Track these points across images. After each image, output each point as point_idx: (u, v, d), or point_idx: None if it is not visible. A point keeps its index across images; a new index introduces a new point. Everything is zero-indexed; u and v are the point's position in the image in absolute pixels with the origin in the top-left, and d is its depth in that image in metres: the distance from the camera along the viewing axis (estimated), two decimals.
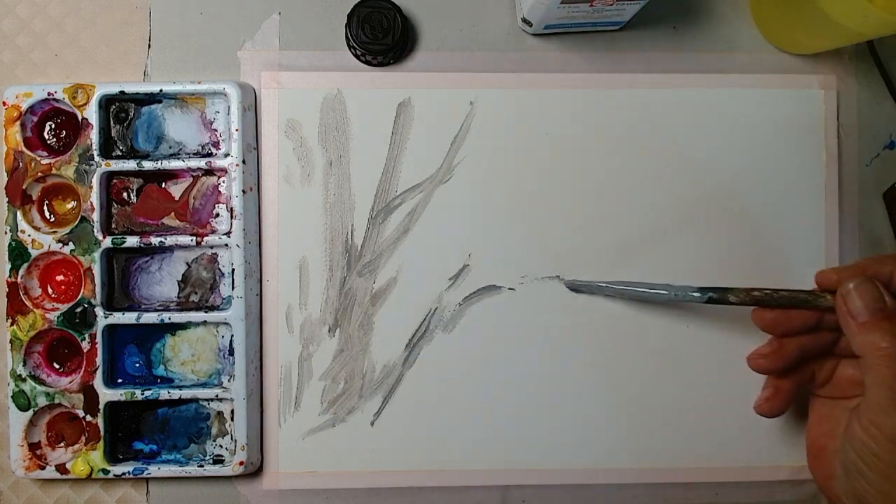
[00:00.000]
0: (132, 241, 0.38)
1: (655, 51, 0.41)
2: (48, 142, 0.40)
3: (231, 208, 0.38)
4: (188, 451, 0.39)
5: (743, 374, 0.40)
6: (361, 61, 0.40)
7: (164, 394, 0.38)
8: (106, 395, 0.38)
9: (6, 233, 0.39)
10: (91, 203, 0.38)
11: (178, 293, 0.40)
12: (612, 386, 0.41)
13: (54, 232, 0.39)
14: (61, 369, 0.39)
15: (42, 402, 0.38)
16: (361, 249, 0.40)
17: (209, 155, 0.39)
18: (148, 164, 0.38)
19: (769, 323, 0.35)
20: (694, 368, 0.41)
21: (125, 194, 0.40)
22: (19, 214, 0.39)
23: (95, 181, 0.38)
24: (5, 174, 0.39)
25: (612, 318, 0.40)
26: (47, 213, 0.40)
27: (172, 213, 0.39)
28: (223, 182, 0.39)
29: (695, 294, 0.35)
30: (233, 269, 0.38)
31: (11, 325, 0.38)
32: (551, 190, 0.41)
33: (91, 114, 0.38)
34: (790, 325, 0.34)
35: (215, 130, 0.40)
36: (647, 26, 0.41)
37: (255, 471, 0.39)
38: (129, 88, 0.38)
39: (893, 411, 0.30)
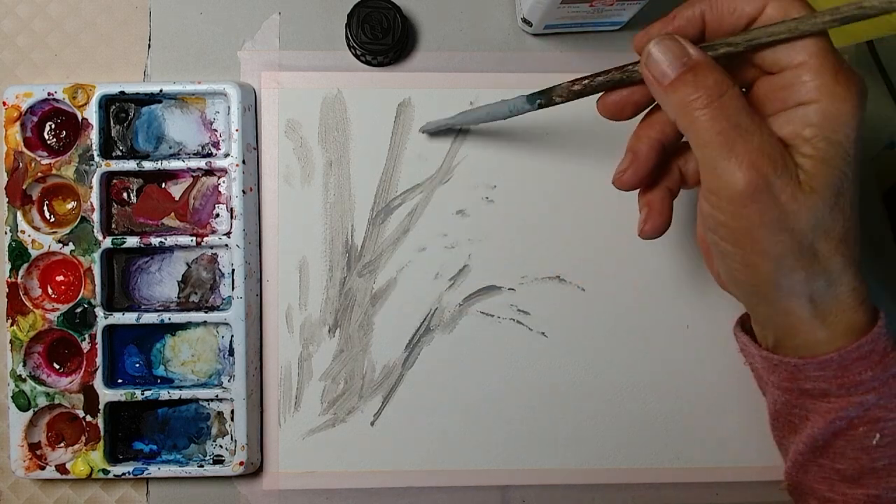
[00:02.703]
0: (132, 241, 0.38)
1: None
2: (48, 142, 0.40)
3: (231, 208, 0.38)
4: (188, 452, 0.39)
5: (742, 374, 0.41)
6: (361, 61, 0.40)
7: (164, 394, 0.38)
8: (106, 395, 0.38)
9: (6, 233, 0.39)
10: (91, 203, 0.38)
11: (178, 293, 0.40)
12: (612, 386, 0.41)
13: (54, 232, 0.39)
14: (61, 369, 0.39)
15: (42, 402, 0.38)
16: (361, 250, 0.40)
17: (209, 155, 0.39)
18: (148, 165, 0.38)
19: (613, 108, 0.31)
20: (693, 368, 0.41)
21: (125, 194, 0.40)
22: (19, 214, 0.39)
23: (95, 181, 0.38)
24: (5, 174, 0.39)
25: (612, 318, 0.41)
26: (47, 214, 0.40)
27: (172, 214, 0.39)
28: (223, 182, 0.39)
29: (525, 105, 0.33)
30: (233, 270, 0.38)
31: (11, 325, 0.38)
32: (551, 190, 0.41)
33: (91, 114, 0.38)
34: (635, 102, 0.31)
35: (215, 130, 0.40)
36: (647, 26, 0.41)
37: (255, 471, 0.39)
38: (129, 88, 0.38)
39: (724, 165, 0.27)
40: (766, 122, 0.28)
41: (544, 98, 0.33)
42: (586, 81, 0.32)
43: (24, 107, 0.38)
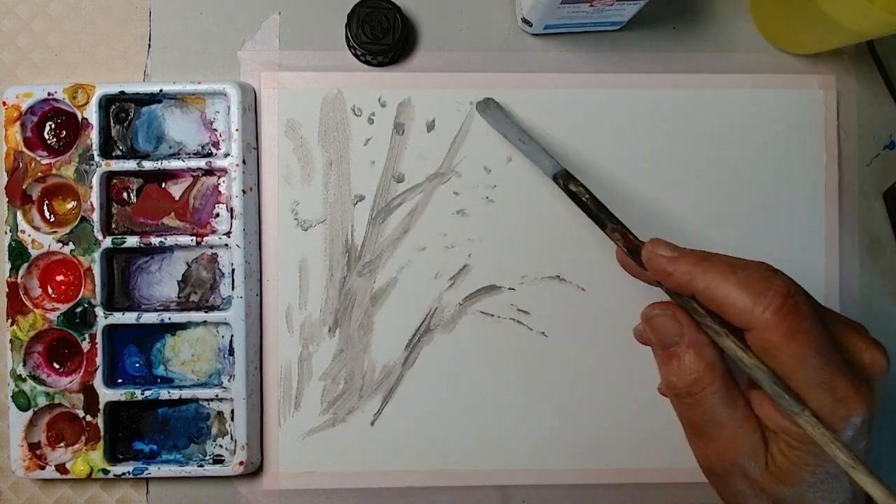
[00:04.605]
0: (132, 241, 0.38)
1: (655, 51, 0.41)
2: (48, 142, 0.40)
3: (231, 208, 0.38)
4: (188, 451, 0.39)
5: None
6: (361, 61, 0.40)
7: (164, 394, 0.38)
8: (106, 395, 0.38)
9: (6, 233, 0.39)
10: (91, 203, 0.38)
11: (178, 293, 0.40)
12: (613, 385, 0.41)
13: (54, 232, 0.39)
14: (61, 369, 0.39)
15: (42, 402, 0.38)
16: (361, 249, 0.40)
17: (209, 155, 0.39)
18: (148, 164, 0.38)
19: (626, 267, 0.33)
20: None
21: (125, 194, 0.40)
22: (19, 214, 0.39)
23: (95, 181, 0.38)
24: (5, 174, 0.39)
25: (612, 318, 0.40)
26: (47, 213, 0.40)
27: (172, 213, 0.39)
28: (223, 182, 0.39)
29: (550, 169, 0.36)
30: (233, 269, 0.38)
31: (11, 325, 0.38)
32: (551, 190, 0.41)
33: (91, 114, 0.38)
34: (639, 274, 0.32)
35: (215, 130, 0.40)
36: (647, 26, 0.41)
37: (255, 471, 0.39)
38: (129, 88, 0.38)
39: (694, 445, 0.29)
40: (744, 408, 0.28)
41: (563, 179, 0.35)
42: (596, 212, 0.34)
43: (24, 107, 0.38)
